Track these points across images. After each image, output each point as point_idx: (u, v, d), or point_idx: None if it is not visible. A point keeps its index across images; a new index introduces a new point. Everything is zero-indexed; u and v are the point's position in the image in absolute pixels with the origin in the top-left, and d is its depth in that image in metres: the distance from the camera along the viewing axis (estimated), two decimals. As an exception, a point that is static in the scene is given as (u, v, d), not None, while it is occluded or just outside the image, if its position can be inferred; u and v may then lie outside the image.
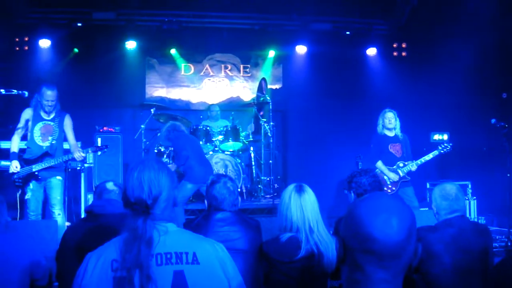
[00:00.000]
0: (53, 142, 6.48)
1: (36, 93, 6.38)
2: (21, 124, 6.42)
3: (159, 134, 9.87)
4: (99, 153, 6.95)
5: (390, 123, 7.48)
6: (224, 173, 8.79)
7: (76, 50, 10.88)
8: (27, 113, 6.46)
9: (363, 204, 1.66)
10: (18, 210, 6.45)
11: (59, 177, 6.55)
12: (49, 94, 6.40)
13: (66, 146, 6.82)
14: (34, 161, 6.38)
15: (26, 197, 6.36)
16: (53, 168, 6.47)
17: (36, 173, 6.34)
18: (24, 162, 6.36)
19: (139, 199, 2.10)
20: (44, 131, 6.49)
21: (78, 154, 6.48)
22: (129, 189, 2.13)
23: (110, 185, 3.85)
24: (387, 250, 1.56)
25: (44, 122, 6.49)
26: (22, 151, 6.54)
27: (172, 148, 8.56)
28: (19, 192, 6.36)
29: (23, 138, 6.53)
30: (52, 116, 6.55)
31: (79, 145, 6.89)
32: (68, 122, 6.67)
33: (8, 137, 6.58)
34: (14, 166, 6.27)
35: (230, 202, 3.74)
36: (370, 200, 1.68)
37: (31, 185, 6.38)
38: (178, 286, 2.03)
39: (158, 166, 2.20)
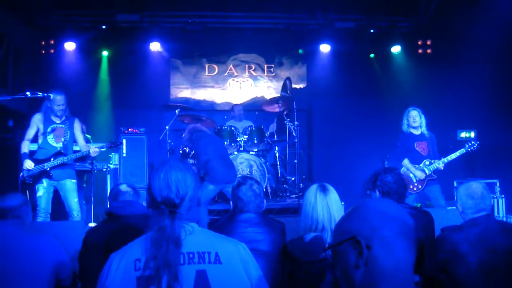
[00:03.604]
0: (65, 143, 6.67)
1: (45, 99, 6.51)
2: (32, 129, 6.63)
3: (183, 135, 9.91)
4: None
5: (414, 121, 7.40)
6: (249, 173, 8.79)
7: (105, 54, 11.00)
8: (36, 118, 6.68)
9: (370, 203, 1.77)
10: None
11: (73, 180, 6.71)
12: (59, 99, 6.60)
13: (75, 148, 7.03)
14: (46, 160, 6.53)
15: (38, 194, 6.49)
16: (67, 168, 6.64)
17: (48, 169, 6.48)
18: (36, 162, 6.49)
19: (167, 199, 2.12)
20: (57, 134, 6.69)
21: (94, 149, 6.69)
22: (156, 189, 2.15)
23: (124, 187, 3.89)
24: (413, 232, 1.70)
25: (56, 125, 6.70)
26: (32, 153, 6.68)
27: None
28: (28, 192, 6.50)
29: (32, 141, 6.71)
30: (62, 119, 6.75)
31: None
32: (77, 126, 6.89)
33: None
34: (28, 164, 6.42)
35: (256, 205, 3.75)
36: (372, 201, 1.81)
37: (44, 183, 6.51)
38: (201, 286, 2.03)
39: (184, 167, 2.23)
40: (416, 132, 7.45)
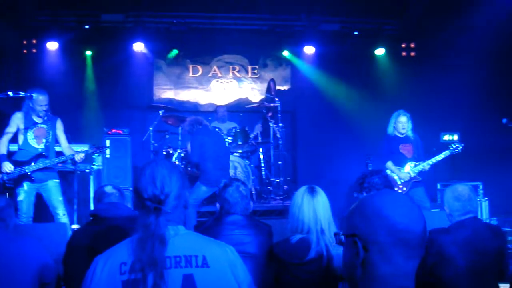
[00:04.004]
0: (47, 144, 6.53)
1: (26, 99, 6.40)
2: (11, 128, 6.45)
3: (167, 136, 9.86)
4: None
5: (403, 128, 7.42)
6: (233, 175, 8.76)
7: (88, 53, 10.92)
8: (17, 117, 6.50)
9: (378, 199, 1.68)
10: None
11: (55, 180, 6.58)
12: (42, 99, 6.44)
13: (57, 148, 6.87)
14: (27, 162, 6.37)
15: (19, 198, 6.30)
16: (48, 170, 6.50)
17: (29, 173, 6.32)
18: (16, 164, 6.33)
19: (152, 195, 2.09)
20: (38, 133, 6.53)
21: (79, 156, 6.55)
22: (142, 185, 2.12)
23: (109, 189, 3.84)
24: (415, 238, 1.61)
25: (37, 125, 6.54)
26: (12, 154, 6.55)
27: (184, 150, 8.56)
28: (7, 194, 6.35)
29: (12, 141, 6.56)
30: (44, 119, 6.60)
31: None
32: (59, 126, 6.74)
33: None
34: (8, 166, 6.24)
35: (242, 206, 3.74)
36: (384, 195, 1.72)
37: (24, 186, 6.33)
38: None
39: (170, 165, 2.22)
40: (401, 134, 7.48)
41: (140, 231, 2.04)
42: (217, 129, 9.41)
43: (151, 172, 2.14)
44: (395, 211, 1.62)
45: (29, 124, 6.49)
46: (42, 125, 6.57)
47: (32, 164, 6.36)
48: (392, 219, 1.60)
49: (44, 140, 6.52)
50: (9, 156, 6.45)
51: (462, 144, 7.41)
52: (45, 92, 6.53)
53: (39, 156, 6.43)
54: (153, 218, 2.06)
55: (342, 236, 1.73)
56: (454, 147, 7.41)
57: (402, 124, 7.41)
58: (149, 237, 2.01)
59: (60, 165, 6.79)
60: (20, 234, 3.35)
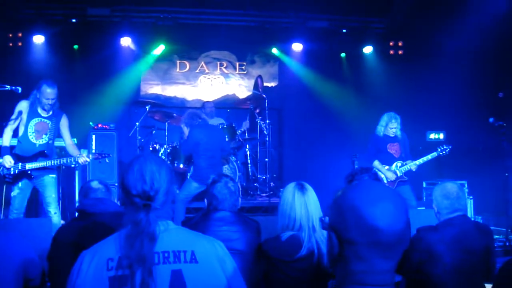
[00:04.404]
0: (49, 142, 6.31)
1: (35, 89, 6.23)
2: (14, 115, 6.15)
3: (154, 131, 9.81)
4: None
5: (393, 132, 7.43)
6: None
7: (76, 46, 10.84)
8: (22, 106, 6.21)
9: (356, 195, 1.61)
10: (2, 207, 6.34)
11: (52, 175, 6.35)
12: (50, 92, 6.19)
13: (56, 143, 6.68)
14: (28, 158, 6.16)
15: (12, 194, 6.14)
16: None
17: (29, 172, 6.16)
18: (17, 158, 6.14)
19: (141, 191, 2.05)
20: (39, 128, 6.28)
21: (83, 159, 6.33)
22: (131, 181, 2.08)
23: (95, 184, 3.78)
24: (393, 239, 1.54)
25: (40, 119, 6.29)
26: (12, 147, 6.32)
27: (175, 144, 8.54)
28: (4, 189, 6.24)
29: (15, 132, 6.29)
30: (49, 114, 6.36)
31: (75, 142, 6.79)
32: (64, 122, 6.48)
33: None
34: (8, 161, 6.04)
35: (231, 203, 3.70)
36: (363, 190, 1.64)
37: (20, 184, 6.16)
38: (176, 286, 1.97)
39: (159, 160, 2.20)
40: (391, 134, 7.49)
41: (129, 227, 2.01)
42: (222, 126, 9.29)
43: (140, 168, 2.10)
44: (371, 209, 1.55)
45: (33, 116, 6.25)
46: (45, 120, 6.31)
47: (33, 162, 6.14)
48: (367, 219, 1.54)
49: (44, 136, 6.28)
50: (10, 149, 6.22)
51: (450, 146, 7.44)
52: (54, 86, 6.27)
53: (40, 154, 6.21)
54: (143, 215, 2.03)
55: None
56: (442, 149, 7.44)
57: (392, 129, 7.41)
58: (138, 234, 1.97)
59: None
60: (3, 229, 3.29)
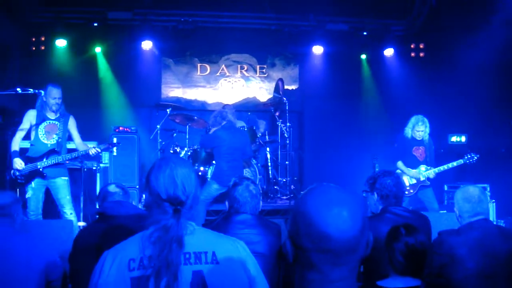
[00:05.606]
0: (59, 140, 6.51)
1: (40, 96, 6.40)
2: (24, 125, 6.45)
3: (175, 134, 9.84)
4: (115, 151, 6.93)
5: (420, 135, 7.39)
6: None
7: (98, 50, 10.92)
8: (30, 115, 6.51)
9: (310, 200, 1.57)
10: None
11: (64, 177, 6.55)
12: (55, 92, 6.48)
13: (69, 146, 6.90)
14: (38, 158, 6.37)
15: (27, 196, 6.32)
16: (59, 167, 6.48)
17: (41, 169, 6.32)
18: (28, 160, 6.34)
19: (173, 196, 2.06)
20: (49, 129, 6.52)
21: (94, 150, 6.52)
22: (161, 186, 2.08)
23: (112, 188, 3.82)
24: (343, 246, 1.50)
25: (49, 121, 6.54)
26: (25, 150, 6.56)
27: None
28: (18, 190, 6.35)
29: (25, 138, 6.56)
30: (57, 115, 6.61)
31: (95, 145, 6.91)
32: (72, 123, 6.74)
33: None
34: (19, 163, 6.26)
35: (252, 206, 3.70)
36: (317, 194, 1.60)
37: (33, 184, 6.34)
38: (197, 287, 1.98)
39: (188, 164, 2.20)
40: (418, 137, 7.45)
41: (157, 231, 2.01)
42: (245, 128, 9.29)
43: (171, 172, 2.10)
44: (322, 215, 1.51)
45: (42, 120, 6.48)
46: (54, 121, 6.55)
47: (44, 160, 6.35)
48: (317, 225, 1.50)
49: (55, 136, 6.50)
50: (22, 153, 6.44)
51: (478, 155, 7.38)
52: (58, 86, 6.57)
53: (51, 152, 6.41)
54: (174, 220, 2.03)
55: None
56: (469, 157, 7.40)
57: (419, 132, 7.37)
58: (168, 239, 1.98)
59: (67, 161, 6.75)
60: (26, 231, 3.33)
